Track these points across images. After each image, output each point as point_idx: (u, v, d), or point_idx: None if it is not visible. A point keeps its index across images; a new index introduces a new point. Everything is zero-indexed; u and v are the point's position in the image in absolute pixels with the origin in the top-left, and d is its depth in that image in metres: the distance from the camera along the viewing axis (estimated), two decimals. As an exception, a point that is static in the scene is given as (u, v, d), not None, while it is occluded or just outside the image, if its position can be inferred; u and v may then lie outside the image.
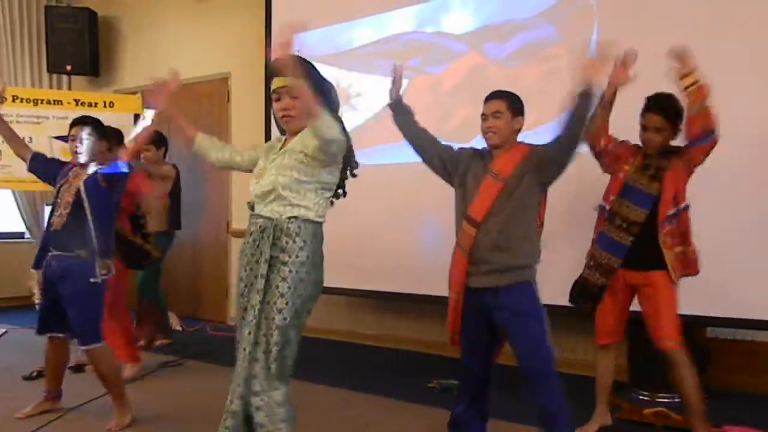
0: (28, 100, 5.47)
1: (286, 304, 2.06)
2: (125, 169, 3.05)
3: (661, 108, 2.77)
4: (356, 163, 2.31)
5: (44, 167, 3.26)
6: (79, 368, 3.98)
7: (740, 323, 3.41)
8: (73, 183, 3.02)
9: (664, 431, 3.02)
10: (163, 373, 4.13)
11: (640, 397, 3.49)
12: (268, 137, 5.12)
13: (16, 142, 3.29)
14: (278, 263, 2.07)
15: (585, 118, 2.26)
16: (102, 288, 2.98)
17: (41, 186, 5.70)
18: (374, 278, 4.45)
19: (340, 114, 2.26)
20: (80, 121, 3.12)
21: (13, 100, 5.41)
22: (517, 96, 2.50)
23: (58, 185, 3.09)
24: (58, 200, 3.03)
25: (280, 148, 2.22)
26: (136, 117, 5.85)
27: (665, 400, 3.39)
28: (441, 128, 4.18)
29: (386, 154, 4.40)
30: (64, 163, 3.25)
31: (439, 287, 4.14)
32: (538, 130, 3.90)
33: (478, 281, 2.41)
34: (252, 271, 2.12)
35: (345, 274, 4.58)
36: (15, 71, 6.65)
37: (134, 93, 6.22)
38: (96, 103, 5.65)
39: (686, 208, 2.78)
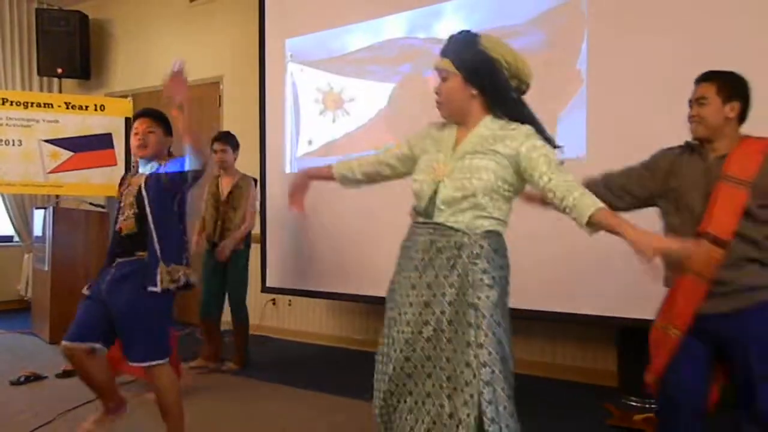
0: (18, 103, 5.44)
1: (500, 343, 1.72)
2: (185, 168, 2.62)
3: None
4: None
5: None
6: (67, 374, 3.95)
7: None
8: (133, 183, 2.72)
9: (653, 437, 3.03)
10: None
11: (630, 402, 3.50)
12: (262, 142, 5.11)
13: None
14: (484, 287, 1.74)
15: None
16: (164, 299, 2.58)
17: (31, 189, 5.72)
18: (364, 282, 4.44)
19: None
20: (142, 114, 2.80)
21: (3, 103, 5.40)
22: (734, 76, 2.12)
23: (121, 191, 2.77)
24: (122, 203, 2.70)
25: (456, 144, 1.87)
26: (127, 120, 5.85)
27: (656, 405, 3.40)
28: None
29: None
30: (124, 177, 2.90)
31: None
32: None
33: (711, 306, 2.01)
34: (445, 297, 1.76)
35: (335, 278, 4.58)
36: (5, 74, 6.60)
37: (125, 96, 6.21)
38: (87, 107, 5.63)
39: None
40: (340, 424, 3.24)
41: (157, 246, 2.56)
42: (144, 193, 2.62)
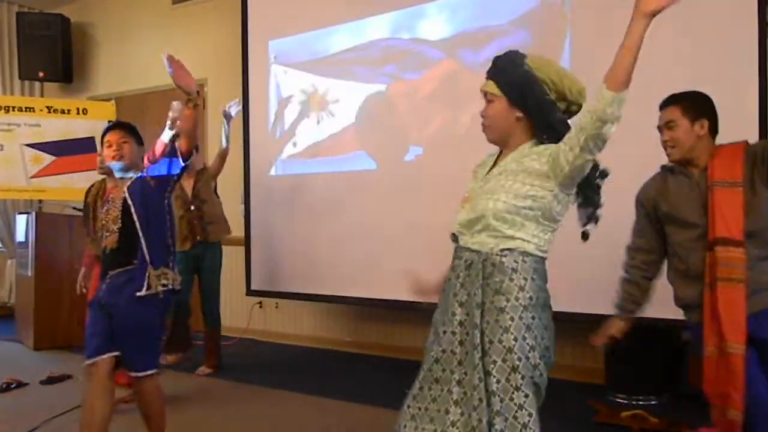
0: (-1, 107, 5.38)
1: (519, 360, 1.63)
2: (177, 170, 2.64)
3: None
4: (604, 172, 1.79)
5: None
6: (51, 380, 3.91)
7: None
8: (114, 195, 2.68)
9: (640, 434, 3.04)
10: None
11: (617, 399, 3.51)
12: (246, 145, 5.08)
13: None
14: (494, 310, 1.67)
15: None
16: (157, 302, 2.54)
17: (13, 194, 5.65)
18: (352, 285, 4.43)
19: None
20: (115, 126, 2.77)
21: (-16, 108, 5.33)
22: (696, 95, 2.19)
23: (104, 207, 2.71)
24: (104, 221, 2.64)
25: (492, 166, 1.83)
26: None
27: (642, 402, 3.42)
28: (418, 135, 4.22)
29: (363, 161, 4.40)
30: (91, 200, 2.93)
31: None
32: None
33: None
34: (455, 317, 1.73)
35: (323, 281, 4.57)
36: (-15, 78, 6.54)
37: (108, 100, 6.16)
38: (69, 110, 5.57)
39: None
40: (330, 426, 3.23)
41: (145, 251, 2.53)
42: (130, 202, 2.58)
